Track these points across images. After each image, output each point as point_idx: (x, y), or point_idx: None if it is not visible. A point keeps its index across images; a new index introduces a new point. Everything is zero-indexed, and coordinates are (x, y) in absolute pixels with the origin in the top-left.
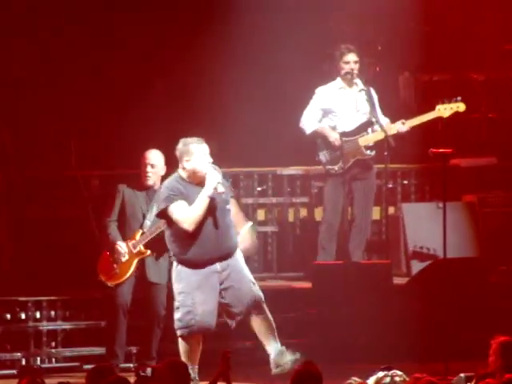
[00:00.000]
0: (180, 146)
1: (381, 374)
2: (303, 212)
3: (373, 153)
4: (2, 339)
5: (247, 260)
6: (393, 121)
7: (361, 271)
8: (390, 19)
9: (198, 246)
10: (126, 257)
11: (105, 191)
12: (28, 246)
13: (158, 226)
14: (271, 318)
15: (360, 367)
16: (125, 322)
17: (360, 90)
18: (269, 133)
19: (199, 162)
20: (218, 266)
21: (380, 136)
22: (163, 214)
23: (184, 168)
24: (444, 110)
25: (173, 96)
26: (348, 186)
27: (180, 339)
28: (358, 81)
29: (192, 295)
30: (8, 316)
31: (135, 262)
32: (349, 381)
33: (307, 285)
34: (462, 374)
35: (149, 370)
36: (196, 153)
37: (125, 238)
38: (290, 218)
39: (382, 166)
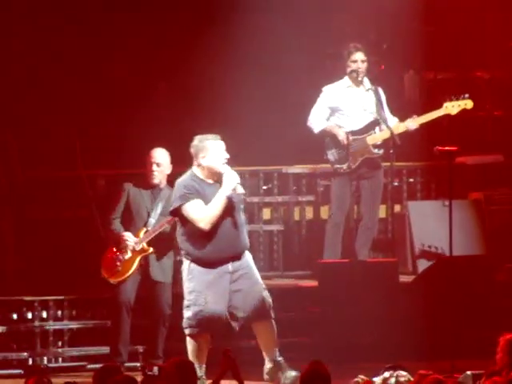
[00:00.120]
0: (195, 142)
1: (387, 374)
2: (309, 210)
3: (381, 151)
4: (8, 339)
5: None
6: (399, 119)
7: (367, 269)
8: (395, 18)
9: (214, 244)
10: (129, 254)
11: (110, 191)
12: (34, 246)
13: (161, 224)
14: (275, 327)
15: (366, 366)
16: (128, 321)
17: (367, 90)
18: (274, 132)
19: (215, 159)
20: (229, 266)
21: (387, 135)
22: (177, 212)
23: (199, 165)
24: (452, 108)
25: (177, 96)
26: (355, 185)
27: (189, 338)
28: (365, 80)
29: (204, 294)
30: (14, 316)
31: (138, 259)
32: (355, 379)
33: (313, 283)
34: (468, 372)
35: (155, 369)
36: (212, 149)
37: None
38: (296, 217)
39: (388, 164)
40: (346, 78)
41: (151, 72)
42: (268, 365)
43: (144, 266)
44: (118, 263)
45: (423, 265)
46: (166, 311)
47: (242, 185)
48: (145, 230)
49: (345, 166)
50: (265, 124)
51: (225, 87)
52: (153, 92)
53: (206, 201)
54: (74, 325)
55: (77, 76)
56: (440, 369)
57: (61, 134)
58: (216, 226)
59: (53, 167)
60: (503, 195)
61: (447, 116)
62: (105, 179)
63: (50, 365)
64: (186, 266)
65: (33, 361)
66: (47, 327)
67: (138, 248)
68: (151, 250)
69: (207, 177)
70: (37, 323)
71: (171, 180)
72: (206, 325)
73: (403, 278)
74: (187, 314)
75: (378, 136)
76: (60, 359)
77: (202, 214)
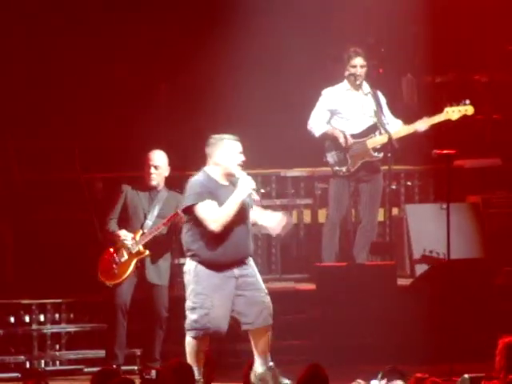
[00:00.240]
0: (212, 141)
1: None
2: (307, 214)
3: (380, 155)
4: (6, 342)
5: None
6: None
7: (365, 273)
8: (393, 21)
9: (225, 247)
10: (126, 256)
11: (108, 193)
12: (32, 249)
13: (157, 226)
14: (270, 333)
15: (364, 368)
16: (124, 323)
17: (367, 94)
18: (272, 135)
19: (231, 159)
20: (235, 271)
21: (386, 139)
22: (190, 210)
23: (214, 164)
24: (452, 113)
25: (177, 97)
26: (354, 188)
27: (190, 340)
28: (364, 84)
29: (212, 298)
30: (12, 319)
31: (134, 262)
32: (353, 383)
33: (311, 286)
34: (466, 375)
35: (153, 373)
36: (228, 149)
37: None
38: (294, 220)
39: (386, 167)
40: (346, 81)
41: (151, 73)
42: (259, 369)
43: (140, 269)
44: (115, 266)
45: (421, 268)
46: (163, 314)
47: (256, 191)
48: (141, 232)
49: (344, 169)
50: (264, 127)
51: (225, 89)
52: (153, 93)
53: (219, 202)
54: (71, 328)
55: (76, 77)
56: (438, 372)
57: (59, 135)
58: (228, 229)
59: (51, 169)
60: (501, 198)
61: (446, 120)
62: (103, 182)
63: (48, 368)
64: (193, 267)
65: (30, 364)
66: (45, 330)
67: (134, 250)
68: (147, 252)
69: (221, 177)
70: (34, 326)
71: (169, 182)
72: (212, 329)
73: (401, 282)
74: (193, 316)
75: (378, 140)
76: (57, 362)
77: (215, 215)
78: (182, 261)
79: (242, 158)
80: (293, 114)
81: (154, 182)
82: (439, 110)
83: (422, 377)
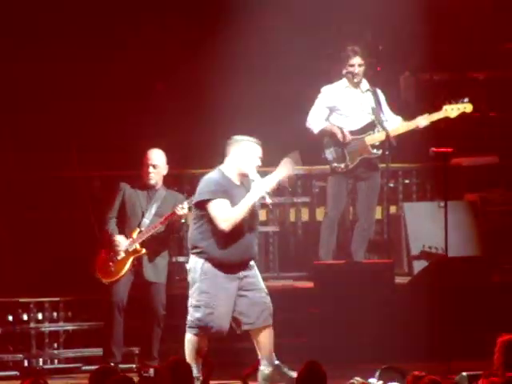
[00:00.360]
0: (232, 141)
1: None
2: (304, 212)
3: (379, 152)
4: (4, 340)
5: None
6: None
7: (363, 271)
8: (391, 19)
9: (235, 247)
10: (122, 254)
11: (106, 192)
12: (30, 248)
13: (155, 224)
14: (272, 333)
15: (362, 367)
16: (121, 321)
17: (366, 91)
18: (269, 133)
19: (248, 161)
20: (240, 271)
21: (384, 136)
22: (201, 206)
23: (230, 164)
24: (451, 111)
25: (174, 97)
26: (352, 185)
27: (191, 337)
28: (363, 82)
29: (217, 297)
30: (10, 317)
31: (130, 260)
32: (351, 381)
33: (309, 284)
34: (464, 373)
35: (151, 371)
36: (248, 151)
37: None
38: (292, 218)
39: (384, 165)
40: (344, 78)
41: (150, 73)
42: (266, 370)
43: (138, 267)
44: (111, 263)
45: (419, 266)
46: (161, 312)
47: (269, 194)
48: (138, 230)
49: (343, 165)
50: (261, 125)
51: (223, 87)
52: (151, 93)
53: (232, 201)
54: (69, 326)
55: (74, 75)
56: (436, 370)
57: (57, 134)
58: (238, 229)
59: (49, 167)
60: (499, 196)
61: (444, 118)
62: (101, 180)
63: (46, 366)
64: (200, 265)
65: (28, 362)
66: (43, 329)
67: (131, 249)
68: (144, 250)
69: (235, 177)
70: (32, 325)
71: (168, 181)
72: (214, 328)
73: (399, 280)
74: (197, 314)
75: (377, 137)
76: (56, 361)
77: (227, 214)
78: (179, 259)
79: (259, 162)
80: (289, 113)
81: (152, 181)
82: (437, 108)
83: (420, 375)
